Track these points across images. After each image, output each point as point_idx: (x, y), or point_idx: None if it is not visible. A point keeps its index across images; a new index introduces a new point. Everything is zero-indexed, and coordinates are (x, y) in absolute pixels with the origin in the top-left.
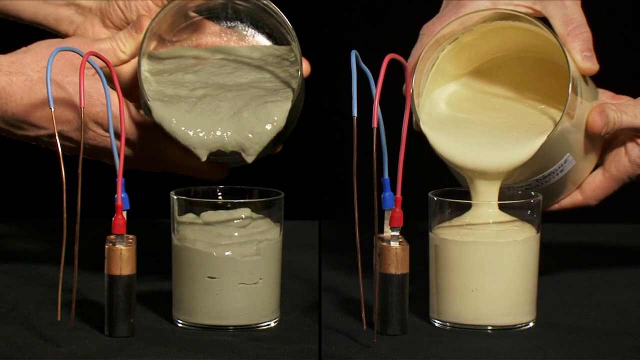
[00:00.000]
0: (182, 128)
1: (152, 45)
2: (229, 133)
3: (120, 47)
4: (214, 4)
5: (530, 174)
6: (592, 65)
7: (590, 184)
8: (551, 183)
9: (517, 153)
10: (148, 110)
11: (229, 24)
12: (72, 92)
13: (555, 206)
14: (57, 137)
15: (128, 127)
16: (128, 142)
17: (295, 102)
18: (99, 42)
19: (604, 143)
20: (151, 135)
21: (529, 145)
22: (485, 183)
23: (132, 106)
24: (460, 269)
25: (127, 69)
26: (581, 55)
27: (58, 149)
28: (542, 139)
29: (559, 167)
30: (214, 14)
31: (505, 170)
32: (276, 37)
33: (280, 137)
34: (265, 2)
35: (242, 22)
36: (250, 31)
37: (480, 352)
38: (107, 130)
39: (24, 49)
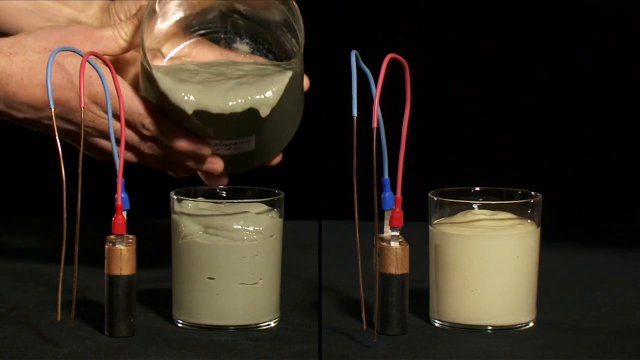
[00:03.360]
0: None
1: (154, 23)
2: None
3: (121, 34)
4: (213, 15)
5: None
6: None
7: None
8: None
9: None
10: (150, 86)
11: (228, 43)
12: (72, 71)
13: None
14: (55, 131)
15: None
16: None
17: (290, 108)
18: (100, 30)
19: None
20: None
21: None
22: None
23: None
24: (460, 266)
25: (129, 64)
26: None
27: (55, 136)
28: None
29: None
30: (213, 30)
31: None
32: (275, 53)
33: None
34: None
35: (241, 38)
36: (249, 47)
37: (480, 352)
38: (105, 111)
39: (25, 32)
